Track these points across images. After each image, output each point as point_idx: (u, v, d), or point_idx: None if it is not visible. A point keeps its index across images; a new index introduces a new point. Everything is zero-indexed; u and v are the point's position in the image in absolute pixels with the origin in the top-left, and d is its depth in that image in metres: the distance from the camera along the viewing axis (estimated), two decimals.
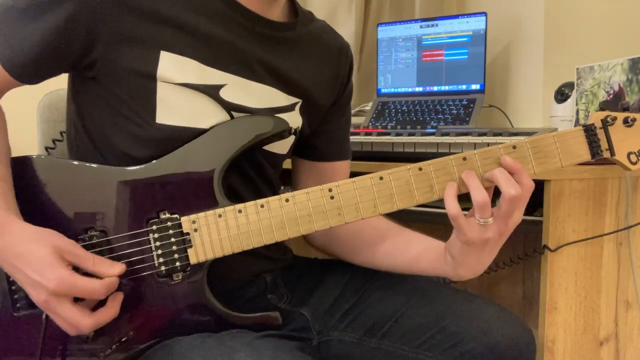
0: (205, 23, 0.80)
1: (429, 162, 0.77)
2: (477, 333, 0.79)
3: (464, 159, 0.77)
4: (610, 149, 0.79)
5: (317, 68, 0.94)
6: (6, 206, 0.72)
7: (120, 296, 0.73)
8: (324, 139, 0.99)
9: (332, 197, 0.77)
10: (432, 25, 1.66)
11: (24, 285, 0.70)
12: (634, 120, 0.80)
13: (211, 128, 0.80)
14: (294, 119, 0.91)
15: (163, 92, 0.78)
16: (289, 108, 0.90)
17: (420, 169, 0.77)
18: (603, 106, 0.81)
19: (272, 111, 0.87)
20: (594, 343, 1.04)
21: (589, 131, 0.79)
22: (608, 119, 0.79)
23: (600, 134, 0.79)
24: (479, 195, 0.71)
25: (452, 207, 0.73)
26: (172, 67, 0.78)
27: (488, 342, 0.79)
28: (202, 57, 0.80)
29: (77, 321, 0.69)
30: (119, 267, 0.72)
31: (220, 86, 0.81)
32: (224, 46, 0.82)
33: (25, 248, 0.69)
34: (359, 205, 0.77)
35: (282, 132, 0.84)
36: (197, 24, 0.79)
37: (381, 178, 0.77)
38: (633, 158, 0.80)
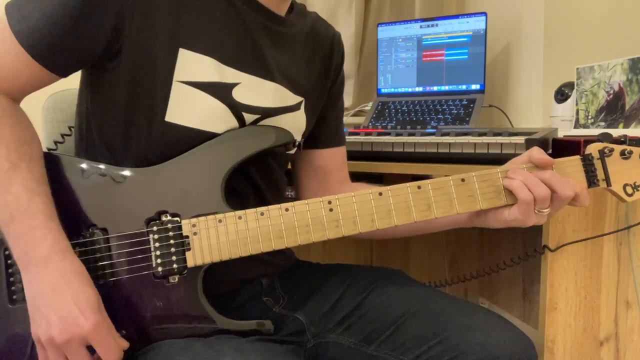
0: (222, 19, 0.81)
1: (428, 181, 0.79)
2: (477, 346, 0.78)
3: (462, 180, 0.80)
4: (607, 179, 0.83)
5: (310, 62, 0.95)
6: (64, 235, 0.72)
7: None
8: (321, 127, 1.00)
9: (331, 210, 0.78)
10: (432, 25, 1.66)
11: (49, 311, 0.68)
12: (630, 152, 0.83)
13: (215, 134, 0.81)
14: (301, 119, 0.92)
15: (176, 90, 0.78)
16: (296, 107, 0.91)
17: (419, 187, 0.79)
18: (602, 137, 0.85)
19: (284, 110, 0.88)
20: (594, 343, 1.04)
21: (587, 161, 0.82)
22: (605, 150, 0.83)
23: (597, 164, 0.83)
24: (544, 190, 0.77)
25: (525, 193, 0.77)
26: (189, 65, 0.78)
27: (488, 356, 0.78)
28: (221, 55, 0.80)
29: None
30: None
31: (234, 85, 0.82)
32: (242, 44, 0.83)
33: (80, 281, 0.70)
34: (357, 219, 0.78)
35: (287, 144, 0.85)
36: (214, 21, 0.80)
37: (380, 194, 0.78)
38: (629, 190, 0.84)
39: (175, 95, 0.78)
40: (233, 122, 0.83)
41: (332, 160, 1.02)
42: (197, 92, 0.79)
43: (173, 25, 0.78)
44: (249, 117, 0.84)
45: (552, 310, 1.00)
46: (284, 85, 0.88)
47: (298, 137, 0.93)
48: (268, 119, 0.87)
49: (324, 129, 1.01)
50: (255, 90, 0.84)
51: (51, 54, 0.74)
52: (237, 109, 0.82)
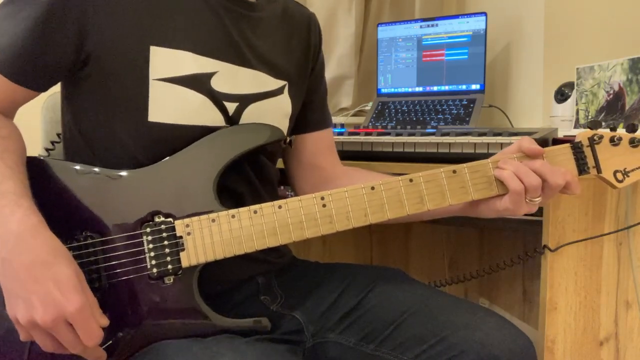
0: (191, 10, 0.81)
1: (420, 173, 0.79)
2: (476, 345, 0.78)
3: (454, 171, 0.80)
4: (597, 166, 0.83)
5: (288, 45, 0.95)
6: (37, 212, 0.70)
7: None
8: (306, 110, 1.01)
9: (324, 205, 0.78)
10: (432, 25, 1.66)
11: (27, 294, 0.65)
12: (620, 139, 0.83)
13: (200, 126, 0.81)
14: (285, 102, 0.92)
15: (154, 89, 0.78)
16: (279, 91, 0.91)
17: (410, 180, 0.79)
18: (591, 125, 0.85)
19: (265, 95, 0.88)
20: (594, 343, 1.04)
21: (577, 148, 0.83)
22: (595, 137, 0.83)
23: (587, 152, 0.83)
24: (535, 179, 0.78)
25: (516, 183, 0.78)
26: (164, 61, 0.78)
27: (487, 355, 0.78)
28: (195, 46, 0.81)
29: (78, 341, 0.67)
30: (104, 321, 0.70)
31: (212, 74, 0.82)
32: (213, 32, 0.83)
33: (57, 259, 0.67)
34: (350, 214, 0.78)
35: (278, 142, 0.86)
36: (183, 13, 0.80)
37: (372, 188, 0.79)
38: (619, 176, 0.84)
39: (154, 94, 0.78)
40: (215, 112, 0.83)
41: (321, 143, 1.03)
42: (176, 87, 0.79)
43: (140, 24, 0.78)
44: (230, 106, 0.84)
45: (552, 310, 1.00)
46: (262, 71, 0.88)
47: (285, 122, 0.93)
48: (250, 105, 0.87)
49: (310, 111, 1.02)
50: (232, 78, 0.84)
51: (23, 71, 0.76)
52: (217, 99, 0.83)
